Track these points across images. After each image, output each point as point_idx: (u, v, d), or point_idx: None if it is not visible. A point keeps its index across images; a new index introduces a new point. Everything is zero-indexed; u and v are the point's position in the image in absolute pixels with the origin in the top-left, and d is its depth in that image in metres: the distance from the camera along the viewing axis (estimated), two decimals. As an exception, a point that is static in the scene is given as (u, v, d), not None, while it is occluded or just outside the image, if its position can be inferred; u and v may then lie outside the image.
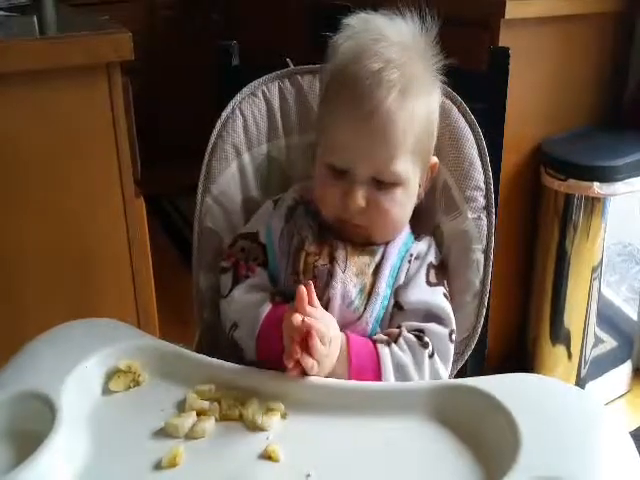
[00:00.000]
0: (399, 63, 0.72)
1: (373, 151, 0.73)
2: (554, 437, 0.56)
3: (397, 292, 0.76)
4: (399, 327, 0.74)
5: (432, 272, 0.78)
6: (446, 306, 0.76)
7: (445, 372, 0.74)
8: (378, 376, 0.70)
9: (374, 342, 0.72)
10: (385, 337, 0.73)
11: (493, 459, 0.57)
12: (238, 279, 0.79)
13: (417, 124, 0.74)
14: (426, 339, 0.73)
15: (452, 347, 0.76)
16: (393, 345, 0.72)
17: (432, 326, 0.74)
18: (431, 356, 0.73)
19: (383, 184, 0.74)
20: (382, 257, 0.77)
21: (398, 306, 0.76)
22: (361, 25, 0.76)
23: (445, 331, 0.75)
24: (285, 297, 0.75)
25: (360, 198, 0.73)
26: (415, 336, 0.73)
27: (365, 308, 0.74)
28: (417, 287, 0.76)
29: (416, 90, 0.73)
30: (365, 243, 0.77)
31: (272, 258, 0.80)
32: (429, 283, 0.77)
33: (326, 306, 0.73)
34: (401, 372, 0.71)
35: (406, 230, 0.81)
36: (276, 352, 0.68)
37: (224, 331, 0.79)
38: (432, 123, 0.78)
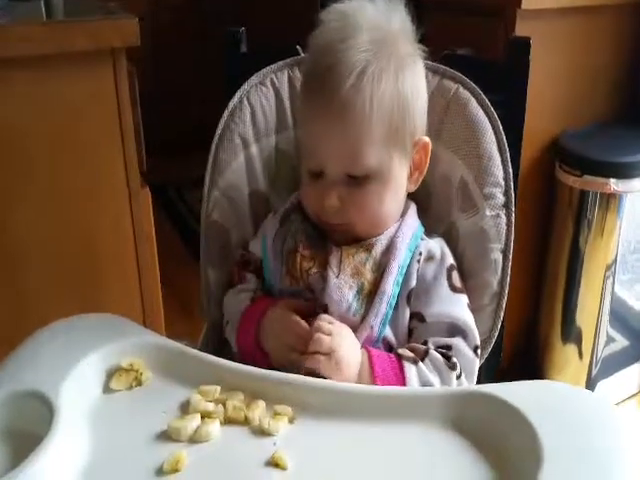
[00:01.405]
0: (359, 50, 0.68)
1: (338, 145, 0.70)
2: (576, 450, 0.53)
3: (413, 299, 0.72)
4: (425, 343, 0.71)
5: (454, 274, 0.75)
6: (470, 321, 0.73)
7: None
8: None
9: (399, 358, 0.69)
10: (411, 354, 0.69)
11: (512, 468, 0.55)
12: (232, 285, 0.82)
13: (383, 106, 0.68)
14: (454, 360, 0.70)
15: (477, 362, 0.73)
16: (420, 363, 0.68)
17: (459, 343, 0.71)
18: (458, 377, 0.70)
19: (356, 179, 0.71)
20: (385, 252, 0.73)
21: (419, 317, 0.72)
22: (332, 18, 0.71)
23: (471, 347, 0.72)
24: (271, 294, 0.77)
25: (334, 198, 0.71)
26: (442, 354, 0.70)
27: (367, 311, 0.71)
28: (439, 297, 0.73)
29: (378, 71, 0.68)
30: (357, 239, 0.74)
31: (266, 265, 0.78)
32: (453, 288, 0.74)
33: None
34: None
35: (415, 222, 0.77)
36: (250, 343, 0.72)
37: None
38: (408, 103, 0.71)
